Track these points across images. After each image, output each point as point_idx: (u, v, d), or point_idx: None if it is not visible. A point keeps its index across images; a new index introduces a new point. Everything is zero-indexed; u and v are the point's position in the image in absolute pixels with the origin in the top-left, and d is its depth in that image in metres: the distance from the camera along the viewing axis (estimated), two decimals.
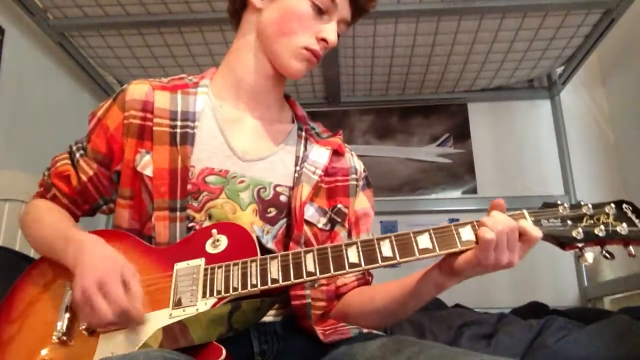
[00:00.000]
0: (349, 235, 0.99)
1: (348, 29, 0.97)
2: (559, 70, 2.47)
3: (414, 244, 0.74)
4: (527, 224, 0.73)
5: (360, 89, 2.59)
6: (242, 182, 0.90)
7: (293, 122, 1.04)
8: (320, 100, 2.66)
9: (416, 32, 2.07)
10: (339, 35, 0.95)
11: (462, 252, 0.74)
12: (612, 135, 2.51)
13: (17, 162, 1.82)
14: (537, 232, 0.73)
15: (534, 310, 1.83)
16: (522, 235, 0.73)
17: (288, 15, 0.91)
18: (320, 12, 0.91)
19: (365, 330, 0.92)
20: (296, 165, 0.95)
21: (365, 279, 0.99)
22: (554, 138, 2.54)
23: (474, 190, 2.55)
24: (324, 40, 0.91)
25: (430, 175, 2.58)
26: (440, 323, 1.53)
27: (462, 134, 2.63)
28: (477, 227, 0.74)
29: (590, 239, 0.75)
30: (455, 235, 0.75)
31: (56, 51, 2.12)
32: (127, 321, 0.73)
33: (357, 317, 0.93)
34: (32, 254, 1.59)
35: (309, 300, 0.86)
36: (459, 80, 2.49)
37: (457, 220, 2.66)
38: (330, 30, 0.91)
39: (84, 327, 0.76)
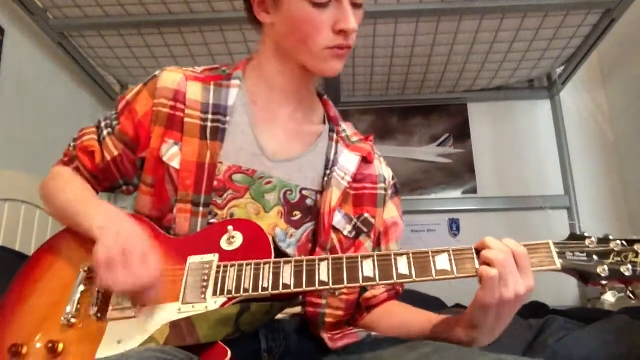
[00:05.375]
0: (378, 245, 0.97)
1: (363, 9, 0.89)
2: (559, 70, 2.47)
3: (432, 264, 0.73)
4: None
5: (360, 89, 2.59)
6: (268, 183, 0.88)
7: (324, 122, 1.00)
8: None
9: (416, 32, 2.07)
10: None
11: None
12: (612, 135, 2.51)
13: (17, 162, 1.82)
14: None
15: (534, 310, 1.83)
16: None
17: (295, 24, 0.86)
18: (322, 5, 0.83)
19: (373, 334, 0.92)
20: (326, 168, 0.92)
21: (395, 290, 0.97)
22: (554, 138, 2.54)
23: (474, 190, 2.55)
24: (342, 31, 0.84)
25: (430, 175, 2.58)
26: None
27: (462, 134, 2.63)
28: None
29: (616, 277, 0.72)
30: (475, 259, 0.73)
31: (56, 51, 2.12)
32: (140, 294, 0.73)
33: (380, 333, 0.92)
34: (32, 253, 1.59)
35: (323, 311, 0.86)
36: (459, 80, 2.49)
37: (458, 220, 2.65)
38: (344, 18, 0.83)
39: (93, 311, 0.76)
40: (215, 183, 0.85)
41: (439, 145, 2.63)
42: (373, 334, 0.92)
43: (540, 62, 2.31)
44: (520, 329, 1.45)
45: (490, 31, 2.07)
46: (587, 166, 2.48)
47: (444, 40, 2.13)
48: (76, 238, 0.85)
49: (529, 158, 2.55)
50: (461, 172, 2.58)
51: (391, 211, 1.00)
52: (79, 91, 2.35)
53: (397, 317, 0.91)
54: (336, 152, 0.94)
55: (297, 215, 0.88)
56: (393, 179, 1.03)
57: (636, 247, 0.73)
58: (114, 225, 0.76)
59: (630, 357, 1.22)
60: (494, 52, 2.22)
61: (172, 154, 0.87)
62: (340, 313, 0.90)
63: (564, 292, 2.33)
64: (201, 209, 0.84)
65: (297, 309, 0.88)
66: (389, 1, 1.88)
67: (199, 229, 0.83)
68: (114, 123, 0.92)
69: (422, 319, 0.86)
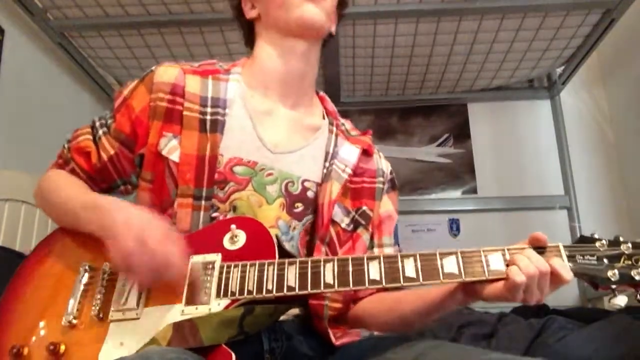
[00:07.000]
0: (371, 238, 0.97)
1: None
2: (559, 70, 2.47)
3: (440, 267, 0.71)
4: (560, 264, 0.69)
5: (360, 89, 2.58)
6: (270, 174, 0.88)
7: (323, 117, 1.01)
8: None
9: (416, 32, 2.07)
10: None
11: (488, 280, 0.70)
12: (612, 135, 2.51)
13: (17, 162, 1.82)
14: (568, 276, 0.69)
15: (534, 310, 1.83)
16: (553, 275, 0.69)
17: None
18: None
19: (375, 333, 0.92)
20: (326, 160, 0.93)
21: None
22: (554, 138, 2.54)
23: (474, 190, 2.55)
24: None
25: (430, 175, 2.58)
26: (440, 323, 1.53)
27: (462, 134, 2.63)
28: (507, 256, 0.71)
29: (626, 281, 0.70)
30: (484, 262, 0.71)
31: (56, 51, 2.12)
32: (171, 274, 0.72)
33: (372, 324, 0.92)
34: (30, 252, 1.58)
35: (327, 302, 0.85)
36: (459, 81, 2.49)
37: (458, 220, 2.64)
38: None
39: (94, 312, 0.75)
40: (216, 175, 0.84)
41: (439, 145, 2.63)
42: (375, 333, 0.92)
43: (540, 62, 2.31)
44: (520, 328, 1.45)
45: (490, 31, 2.07)
46: (587, 166, 2.48)
47: (444, 40, 2.12)
48: (75, 236, 0.84)
49: (529, 158, 2.55)
50: (461, 172, 2.58)
51: (386, 205, 1.00)
52: (79, 91, 2.35)
53: (385, 302, 0.90)
54: (336, 145, 0.95)
55: (299, 207, 0.88)
56: (391, 173, 1.04)
57: None
58: (118, 220, 0.73)
59: (630, 357, 1.22)
60: (494, 52, 2.22)
61: (171, 148, 0.86)
62: (339, 305, 0.90)
63: (564, 292, 2.32)
64: (203, 202, 0.83)
65: (298, 310, 0.87)
66: (389, 1, 1.89)
67: (200, 223, 0.82)
68: (109, 121, 0.92)
69: (411, 298, 0.85)
